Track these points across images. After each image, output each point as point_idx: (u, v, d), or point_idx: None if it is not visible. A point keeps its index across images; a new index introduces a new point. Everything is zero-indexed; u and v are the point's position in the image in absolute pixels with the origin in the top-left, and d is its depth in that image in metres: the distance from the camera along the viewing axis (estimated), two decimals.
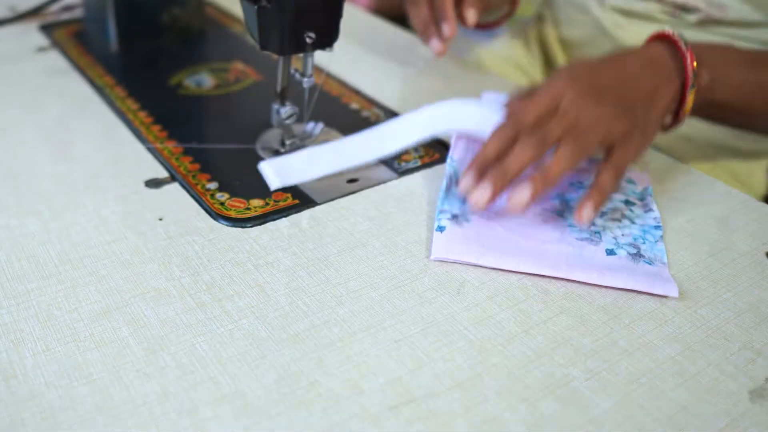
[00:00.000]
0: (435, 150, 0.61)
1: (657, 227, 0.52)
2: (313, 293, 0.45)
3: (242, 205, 0.53)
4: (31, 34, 0.82)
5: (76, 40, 0.81)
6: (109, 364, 0.40)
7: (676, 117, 0.57)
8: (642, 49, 0.57)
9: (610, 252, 0.49)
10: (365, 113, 0.68)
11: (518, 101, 0.53)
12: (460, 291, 0.46)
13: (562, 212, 0.53)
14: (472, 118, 0.57)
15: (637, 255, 0.49)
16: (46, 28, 0.84)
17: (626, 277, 0.46)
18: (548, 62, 0.89)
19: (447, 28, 0.66)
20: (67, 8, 0.89)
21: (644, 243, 0.50)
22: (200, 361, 0.40)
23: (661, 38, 0.57)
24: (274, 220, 0.52)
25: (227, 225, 0.51)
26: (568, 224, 0.51)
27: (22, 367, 0.39)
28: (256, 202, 0.54)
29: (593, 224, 0.51)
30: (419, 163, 0.59)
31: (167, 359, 0.40)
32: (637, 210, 0.53)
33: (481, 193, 0.48)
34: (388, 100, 0.70)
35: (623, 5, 0.78)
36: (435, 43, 0.68)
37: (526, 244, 0.49)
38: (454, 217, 0.51)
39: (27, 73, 0.73)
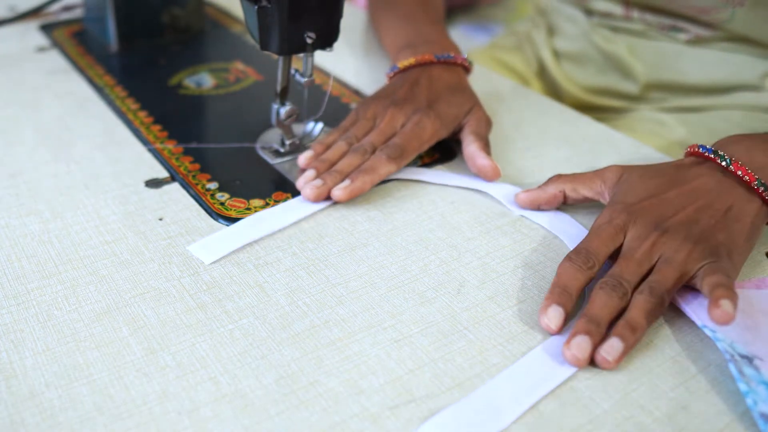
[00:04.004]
0: (435, 150, 0.61)
1: None
2: (313, 293, 0.45)
3: (242, 205, 0.53)
4: (31, 34, 0.82)
5: (76, 40, 0.81)
6: (109, 364, 0.40)
7: None
8: (696, 164, 0.51)
9: None
10: None
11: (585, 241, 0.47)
12: (460, 291, 0.46)
13: None
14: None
15: None
16: (46, 28, 0.84)
17: None
18: (542, 69, 0.89)
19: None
20: (67, 8, 0.89)
21: None
22: (200, 361, 0.40)
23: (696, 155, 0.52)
24: None
25: (227, 225, 0.51)
26: None
27: (22, 367, 0.39)
28: (256, 202, 0.54)
29: None
30: (419, 164, 0.59)
31: (167, 359, 0.40)
32: None
33: (581, 349, 0.40)
34: None
35: (610, 22, 0.78)
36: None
37: None
38: None
39: (27, 73, 0.73)
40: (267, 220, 0.51)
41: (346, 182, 0.53)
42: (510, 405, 0.38)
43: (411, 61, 0.64)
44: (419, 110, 0.58)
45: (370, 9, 0.84)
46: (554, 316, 0.42)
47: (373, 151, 0.56)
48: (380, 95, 0.62)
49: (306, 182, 0.54)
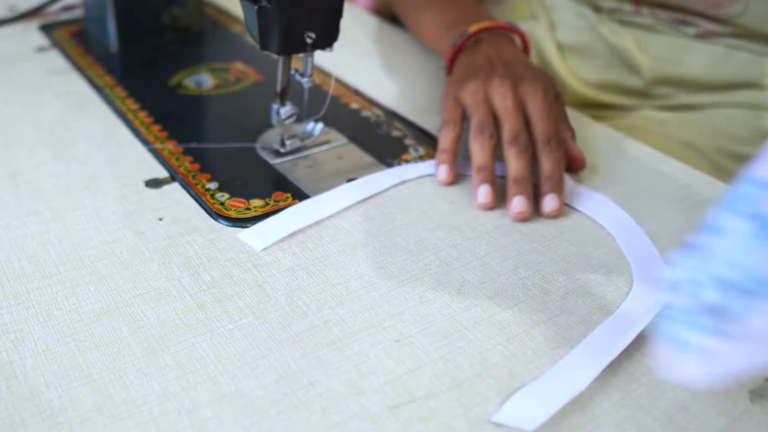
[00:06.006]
0: (435, 150, 0.61)
1: None
2: (313, 293, 0.45)
3: (242, 205, 0.53)
4: (31, 34, 0.82)
5: (76, 40, 0.81)
6: (109, 364, 0.40)
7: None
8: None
9: None
10: (365, 113, 0.68)
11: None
12: (460, 291, 0.46)
13: None
14: None
15: None
16: (46, 28, 0.84)
17: None
18: (543, 63, 0.88)
19: (445, 173, 0.57)
20: (67, 8, 0.89)
21: None
22: (200, 361, 0.40)
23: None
24: None
25: (227, 225, 0.51)
26: None
27: (22, 367, 0.39)
28: (256, 202, 0.54)
29: None
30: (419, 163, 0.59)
31: (167, 359, 0.40)
32: None
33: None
34: (388, 100, 0.70)
35: (619, 16, 0.78)
36: (442, 173, 0.57)
37: None
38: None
39: (27, 73, 0.73)
40: (316, 206, 0.53)
41: (552, 198, 0.53)
42: (583, 372, 0.40)
43: (483, 24, 0.65)
44: (531, 80, 0.58)
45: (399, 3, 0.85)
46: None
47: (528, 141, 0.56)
48: (471, 74, 0.60)
49: (486, 199, 0.54)
